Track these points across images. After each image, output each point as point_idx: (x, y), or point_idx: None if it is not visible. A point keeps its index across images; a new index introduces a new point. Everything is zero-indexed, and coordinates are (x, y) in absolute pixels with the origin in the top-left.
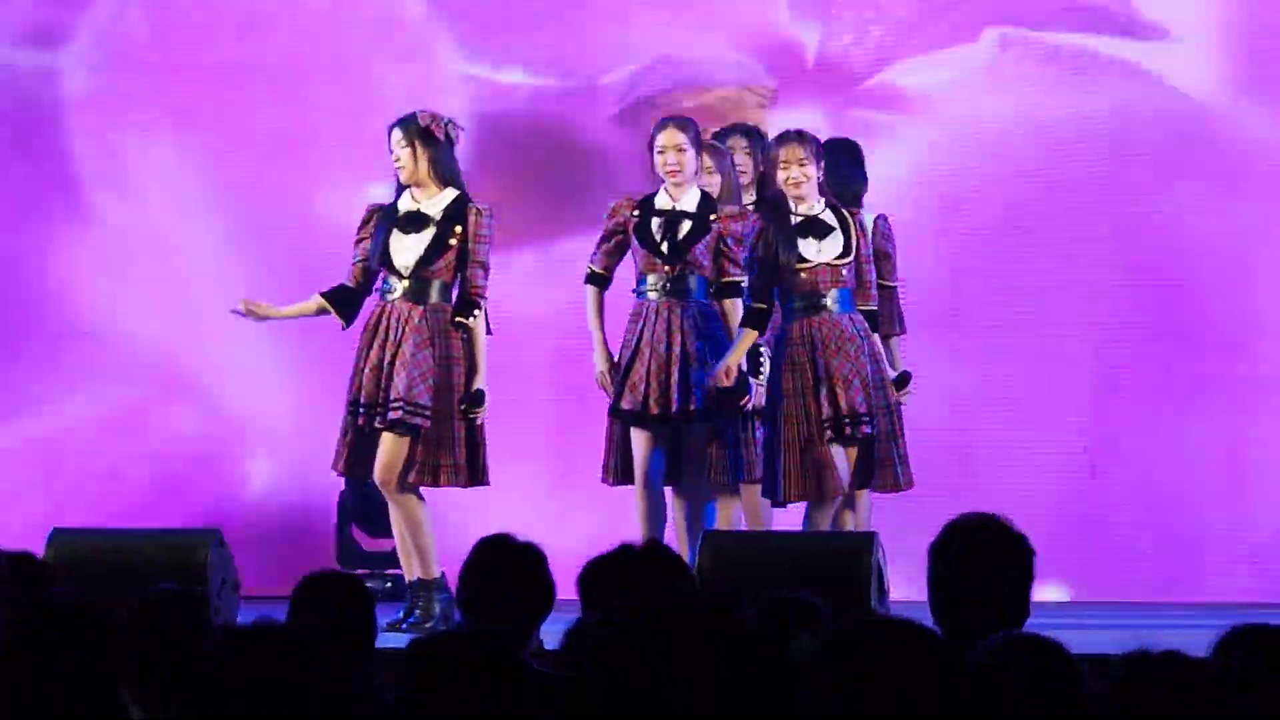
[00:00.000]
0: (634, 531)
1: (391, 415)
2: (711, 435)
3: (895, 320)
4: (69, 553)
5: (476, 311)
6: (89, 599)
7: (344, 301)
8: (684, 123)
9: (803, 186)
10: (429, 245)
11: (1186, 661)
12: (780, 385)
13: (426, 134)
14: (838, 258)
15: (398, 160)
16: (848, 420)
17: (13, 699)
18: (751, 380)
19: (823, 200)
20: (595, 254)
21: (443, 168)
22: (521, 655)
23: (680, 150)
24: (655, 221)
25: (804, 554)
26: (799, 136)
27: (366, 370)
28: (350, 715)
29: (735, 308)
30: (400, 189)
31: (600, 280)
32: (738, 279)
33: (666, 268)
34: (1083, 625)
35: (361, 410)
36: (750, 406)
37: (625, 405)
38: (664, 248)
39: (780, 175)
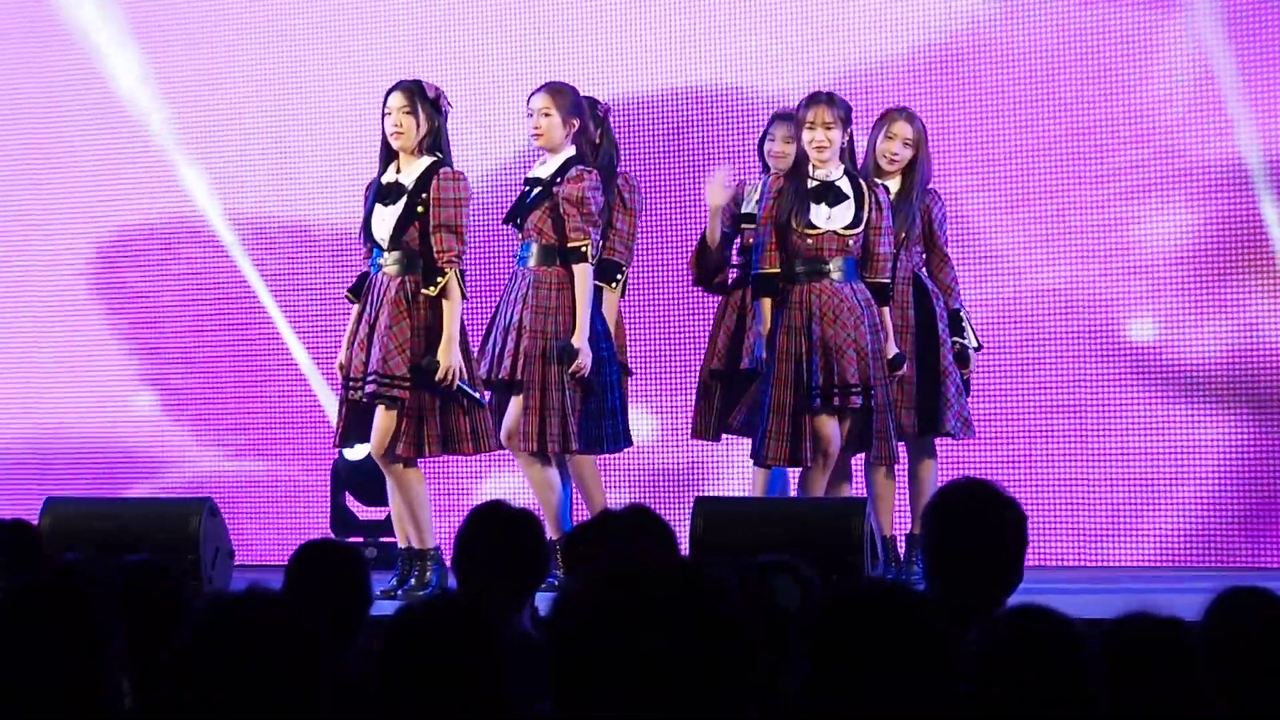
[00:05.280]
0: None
1: (368, 388)
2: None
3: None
4: (63, 522)
5: (439, 280)
6: (75, 563)
7: (356, 286)
8: (558, 89)
9: (825, 151)
10: (400, 216)
11: (1164, 622)
12: (774, 347)
13: (435, 105)
14: (846, 227)
15: (397, 126)
16: (838, 390)
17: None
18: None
19: (843, 168)
20: None
21: (437, 140)
22: (512, 622)
23: (545, 115)
24: (526, 189)
25: (796, 520)
26: (829, 99)
27: (355, 344)
28: (341, 681)
29: (582, 274)
30: (387, 160)
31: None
32: (578, 244)
33: (520, 235)
34: (1075, 591)
35: (350, 383)
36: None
37: (479, 371)
38: (515, 215)
39: (805, 136)
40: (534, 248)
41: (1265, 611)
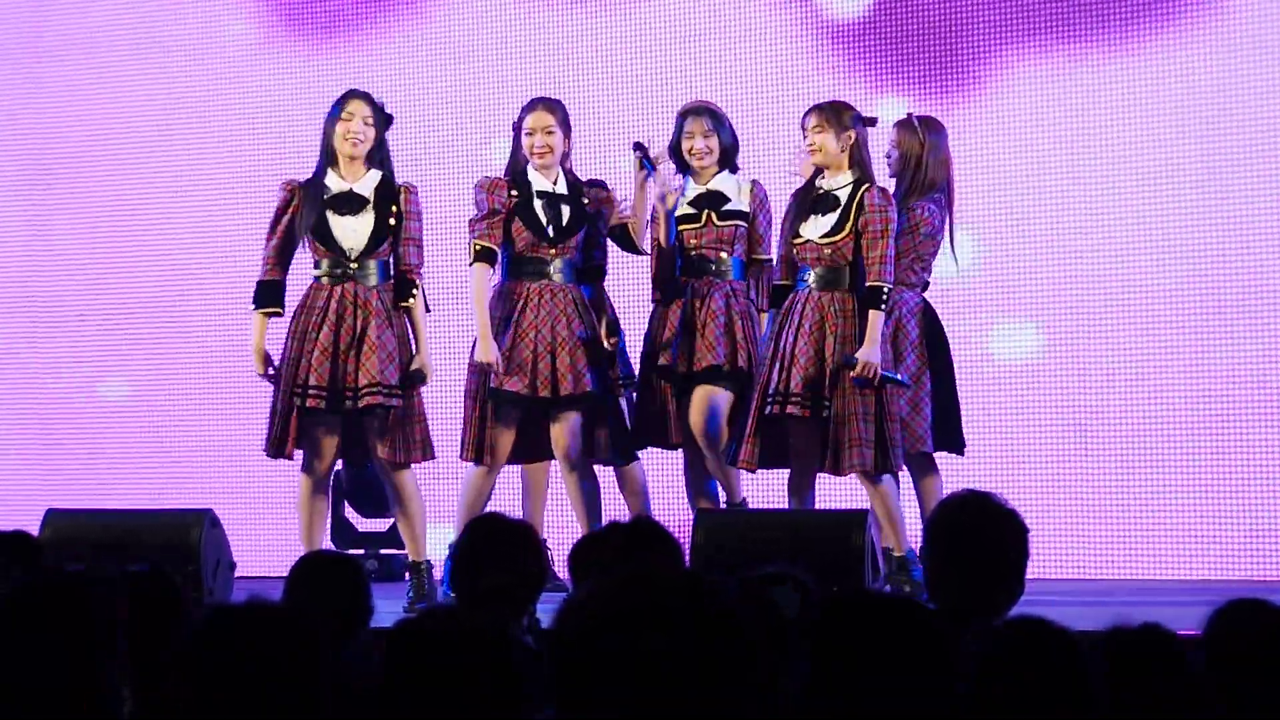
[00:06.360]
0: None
1: (370, 400)
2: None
3: (761, 295)
4: (64, 533)
5: (415, 292)
6: (74, 573)
7: (279, 296)
8: (553, 105)
9: (816, 156)
10: (374, 228)
11: (1162, 635)
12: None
13: (388, 119)
14: (824, 236)
15: (360, 135)
16: (779, 397)
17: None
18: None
19: (851, 175)
20: (481, 230)
21: (382, 152)
22: (511, 633)
23: (549, 132)
24: (538, 204)
25: (797, 532)
26: (818, 107)
27: (316, 353)
28: (341, 694)
29: (599, 292)
30: (325, 166)
31: (492, 256)
32: (599, 264)
33: (551, 251)
34: (1077, 603)
35: (311, 392)
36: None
37: (511, 387)
38: (550, 231)
39: (805, 142)
40: (582, 264)
41: (1268, 621)
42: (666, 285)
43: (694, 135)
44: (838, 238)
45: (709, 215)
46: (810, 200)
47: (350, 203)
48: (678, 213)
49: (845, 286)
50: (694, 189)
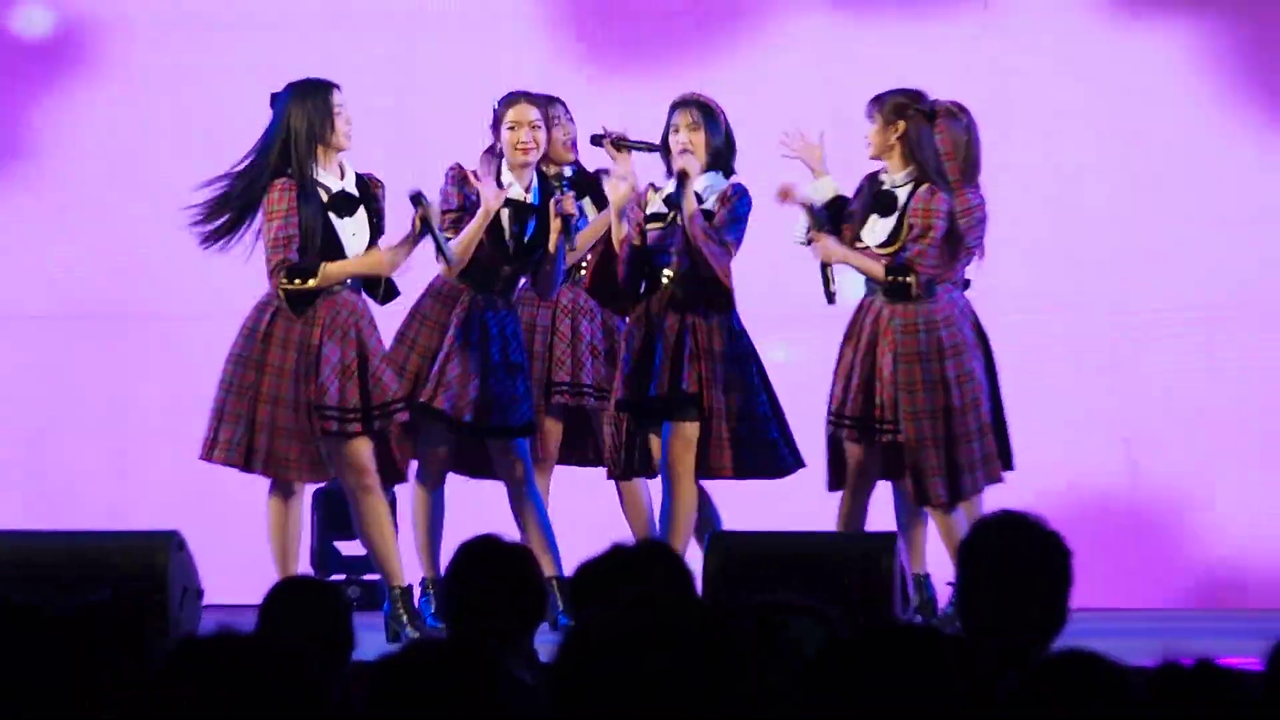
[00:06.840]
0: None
1: (402, 416)
2: None
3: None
4: (9, 557)
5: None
6: (31, 601)
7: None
8: (535, 98)
9: (869, 150)
10: (371, 230)
11: (1218, 671)
12: None
13: None
14: (880, 245)
15: (347, 124)
16: (836, 419)
17: None
18: None
19: (910, 171)
20: (450, 223)
21: None
22: (504, 666)
23: (535, 127)
24: (505, 213)
25: (819, 556)
26: (874, 97)
27: (326, 371)
28: None
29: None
30: (315, 160)
31: None
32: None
33: (506, 267)
34: (1121, 633)
35: (332, 414)
36: None
37: (439, 405)
38: (510, 247)
39: None
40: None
41: None
42: (594, 287)
43: (678, 129)
44: (894, 247)
45: (673, 215)
46: (872, 196)
47: (347, 203)
48: (649, 210)
49: (910, 297)
50: (672, 186)
